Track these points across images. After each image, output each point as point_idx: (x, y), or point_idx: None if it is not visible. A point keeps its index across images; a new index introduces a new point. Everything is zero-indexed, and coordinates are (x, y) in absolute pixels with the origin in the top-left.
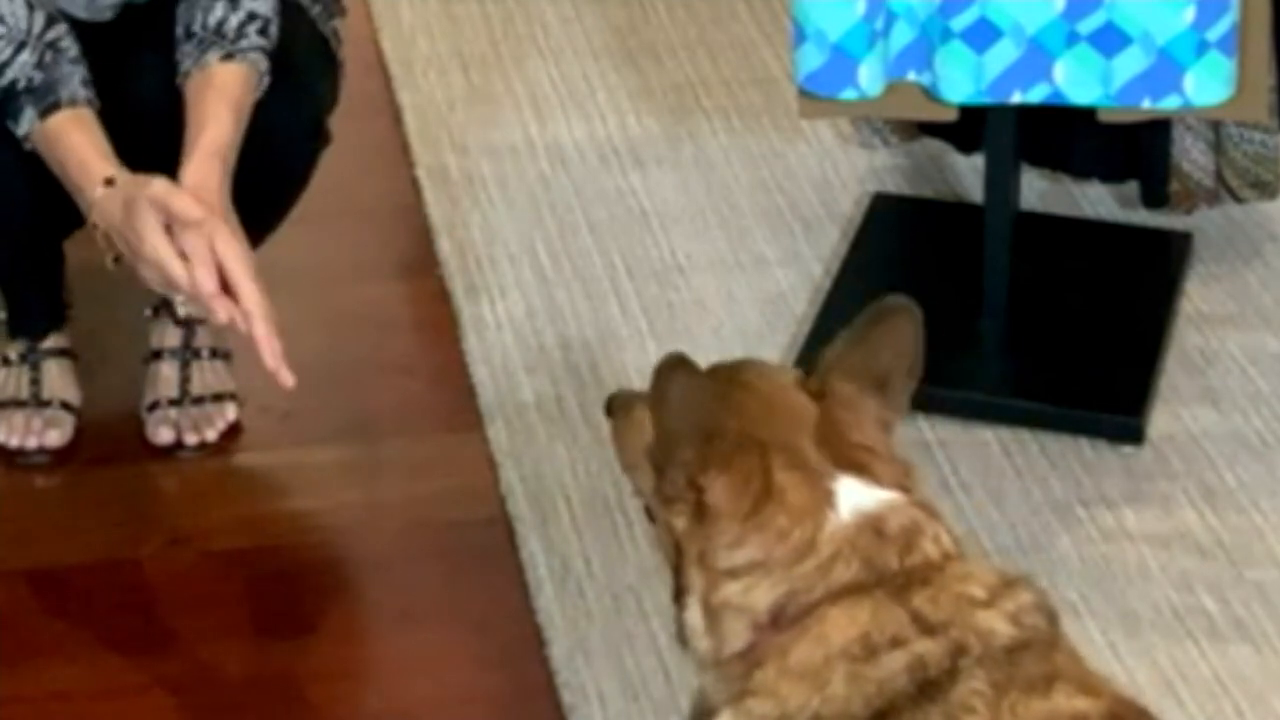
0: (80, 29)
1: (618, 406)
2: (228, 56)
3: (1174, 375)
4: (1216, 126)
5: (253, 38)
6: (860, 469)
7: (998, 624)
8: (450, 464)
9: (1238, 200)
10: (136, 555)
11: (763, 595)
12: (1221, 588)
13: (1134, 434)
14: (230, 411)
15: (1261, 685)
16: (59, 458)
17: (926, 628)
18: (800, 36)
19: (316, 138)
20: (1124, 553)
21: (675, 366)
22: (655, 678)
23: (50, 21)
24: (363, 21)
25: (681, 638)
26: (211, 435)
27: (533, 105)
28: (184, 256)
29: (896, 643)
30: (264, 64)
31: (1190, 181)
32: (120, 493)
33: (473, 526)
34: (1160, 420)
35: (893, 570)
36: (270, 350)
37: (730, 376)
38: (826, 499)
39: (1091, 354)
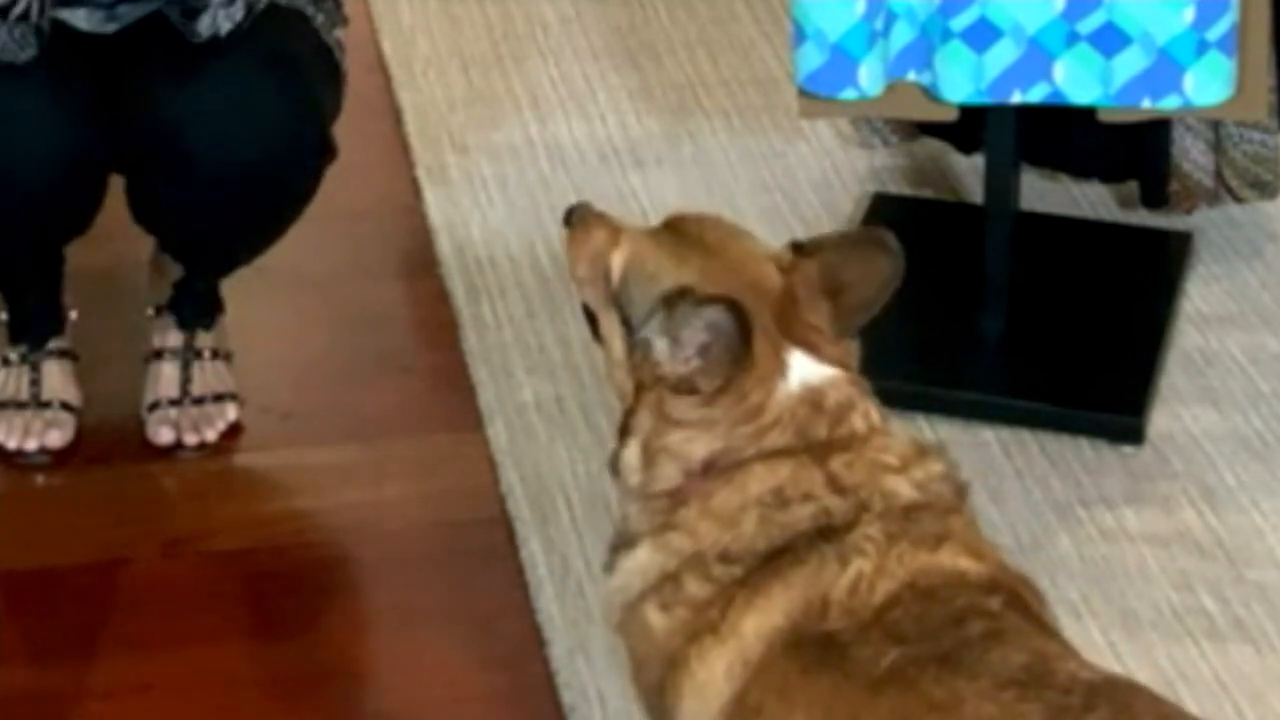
0: (82, 42)
1: (577, 219)
2: None
3: (1174, 375)
4: (1216, 126)
5: None
6: (808, 345)
7: (902, 487)
8: (450, 464)
9: (1238, 200)
10: (136, 555)
11: (700, 447)
12: (1221, 588)
13: (1134, 434)
14: (230, 412)
15: (1261, 685)
16: (59, 458)
17: (838, 488)
18: (800, 36)
19: (323, 153)
20: (1124, 553)
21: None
22: None
23: None
24: (363, 22)
25: (614, 468)
26: (211, 435)
27: (533, 105)
28: None
29: (808, 498)
30: None
31: (1190, 181)
32: (120, 493)
33: (473, 526)
34: (1160, 420)
35: (820, 440)
36: None
37: (699, 238)
38: (781, 369)
39: (1091, 354)
